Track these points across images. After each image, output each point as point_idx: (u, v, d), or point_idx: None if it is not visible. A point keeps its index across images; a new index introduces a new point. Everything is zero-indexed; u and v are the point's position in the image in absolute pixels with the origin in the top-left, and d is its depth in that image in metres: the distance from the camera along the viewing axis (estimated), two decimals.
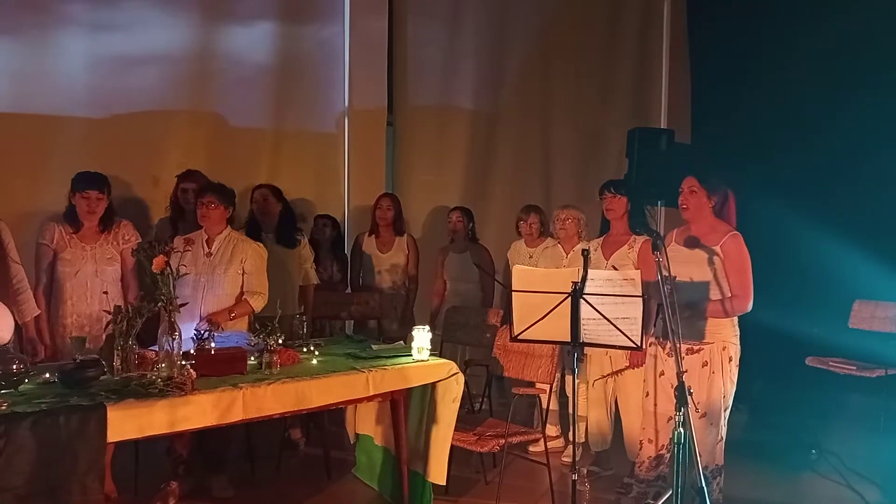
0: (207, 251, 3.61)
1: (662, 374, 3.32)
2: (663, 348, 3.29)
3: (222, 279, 3.56)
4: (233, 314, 3.56)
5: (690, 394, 2.57)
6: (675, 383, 3.25)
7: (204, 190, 3.68)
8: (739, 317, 3.23)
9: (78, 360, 2.64)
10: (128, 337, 2.75)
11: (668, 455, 3.38)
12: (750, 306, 3.16)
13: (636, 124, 5.89)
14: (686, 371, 2.73)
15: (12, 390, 2.49)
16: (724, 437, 3.28)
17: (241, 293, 3.62)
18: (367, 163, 5.51)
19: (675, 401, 2.57)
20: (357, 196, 5.44)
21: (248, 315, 3.66)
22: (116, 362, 2.73)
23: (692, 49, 6.49)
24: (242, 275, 3.62)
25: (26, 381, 2.56)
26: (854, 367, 4.39)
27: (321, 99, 5.39)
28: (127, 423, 2.44)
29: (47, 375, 2.67)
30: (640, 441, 3.43)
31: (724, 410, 3.24)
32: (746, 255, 3.17)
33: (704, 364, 3.17)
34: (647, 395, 3.39)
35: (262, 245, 3.79)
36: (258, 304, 3.63)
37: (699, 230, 3.27)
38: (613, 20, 6.41)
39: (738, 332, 3.24)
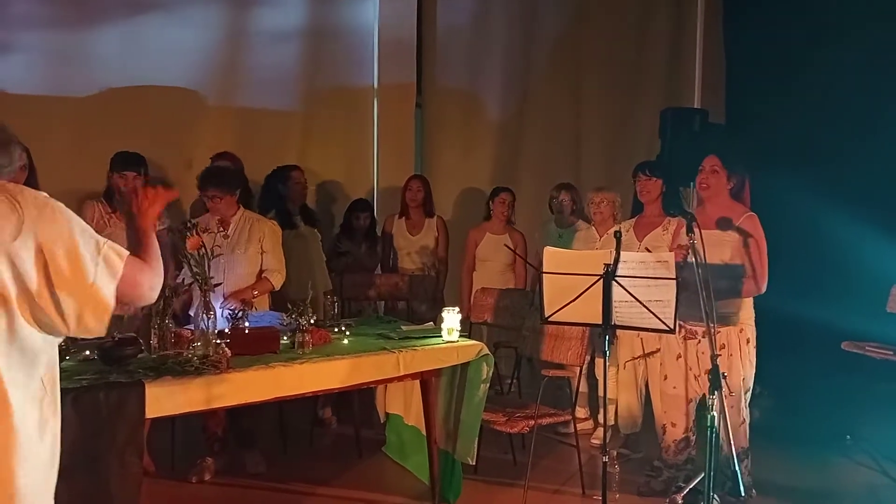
0: (224, 233, 3.64)
1: (679, 357, 3.30)
2: (679, 332, 3.26)
3: (242, 259, 3.60)
4: (255, 292, 3.60)
5: (724, 377, 2.54)
6: (694, 367, 3.26)
7: (204, 184, 3.59)
8: (757, 298, 3.21)
9: (116, 338, 2.70)
10: (164, 316, 2.80)
11: (695, 438, 3.37)
12: (765, 287, 3.14)
13: (669, 104, 5.78)
14: (720, 354, 2.71)
15: None
16: (748, 420, 3.27)
17: (261, 271, 3.66)
18: (396, 144, 5.49)
19: (707, 384, 2.55)
20: (386, 177, 5.42)
21: (268, 293, 3.70)
22: (153, 340, 2.80)
23: (727, 27, 6.32)
24: (261, 253, 3.66)
25: (67, 357, 2.62)
26: (891, 353, 4.29)
27: (350, 78, 5.37)
28: (164, 399, 2.49)
29: (87, 353, 2.73)
30: (664, 425, 3.42)
31: (745, 393, 3.23)
32: (763, 235, 3.16)
33: (722, 347, 3.14)
34: (666, 378, 3.38)
35: (276, 223, 3.84)
36: (278, 281, 3.67)
37: (716, 210, 3.23)
38: None
39: (753, 314, 3.23)
